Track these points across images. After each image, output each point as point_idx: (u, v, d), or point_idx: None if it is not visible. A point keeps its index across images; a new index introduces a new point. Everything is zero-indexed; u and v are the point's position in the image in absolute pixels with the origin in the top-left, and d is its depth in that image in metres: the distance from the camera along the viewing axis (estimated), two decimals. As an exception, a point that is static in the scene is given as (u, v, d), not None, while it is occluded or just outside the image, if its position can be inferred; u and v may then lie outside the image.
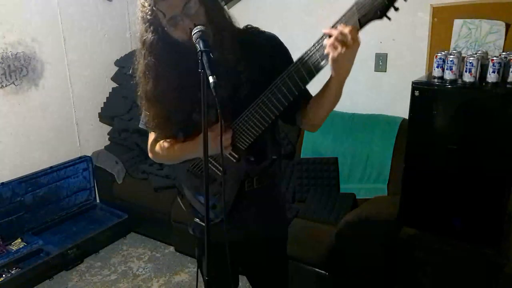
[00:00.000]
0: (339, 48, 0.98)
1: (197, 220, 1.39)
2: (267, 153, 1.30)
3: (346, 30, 0.97)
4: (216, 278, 1.18)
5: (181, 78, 1.17)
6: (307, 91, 1.24)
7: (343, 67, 1.03)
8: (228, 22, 1.18)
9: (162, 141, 1.34)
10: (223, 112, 0.96)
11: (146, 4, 1.09)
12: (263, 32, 1.24)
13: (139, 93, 1.24)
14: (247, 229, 1.36)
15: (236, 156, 1.23)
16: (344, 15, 1.00)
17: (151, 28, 1.12)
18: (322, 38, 1.03)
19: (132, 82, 1.25)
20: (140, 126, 1.36)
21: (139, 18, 1.13)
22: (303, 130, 2.75)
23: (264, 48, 1.20)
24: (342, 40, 0.97)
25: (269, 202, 1.39)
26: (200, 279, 1.29)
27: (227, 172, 1.26)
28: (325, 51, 1.01)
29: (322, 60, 1.04)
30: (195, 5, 1.08)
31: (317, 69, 1.06)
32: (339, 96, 1.14)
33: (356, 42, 0.98)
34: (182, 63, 1.16)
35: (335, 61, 1.00)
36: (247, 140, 1.20)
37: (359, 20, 0.97)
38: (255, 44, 1.19)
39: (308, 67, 1.06)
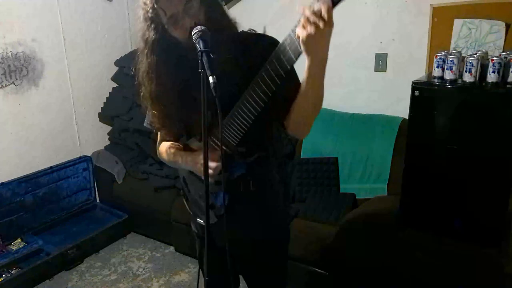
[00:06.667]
0: (309, 28, 0.90)
1: (199, 220, 1.40)
2: (253, 149, 1.25)
3: (317, 8, 0.88)
4: (217, 277, 1.17)
5: (182, 77, 1.17)
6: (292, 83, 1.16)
7: (314, 50, 0.96)
8: (228, 22, 1.17)
9: (168, 145, 1.35)
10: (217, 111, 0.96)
11: (148, 2, 1.09)
12: (265, 36, 1.21)
13: (142, 93, 1.23)
14: (243, 230, 1.34)
15: (229, 151, 1.21)
16: None
17: (153, 26, 1.12)
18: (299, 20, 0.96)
19: (135, 82, 1.24)
20: (145, 125, 1.36)
21: (141, 16, 1.13)
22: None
23: (264, 52, 1.13)
24: (312, 20, 0.89)
25: (266, 204, 1.36)
26: (201, 279, 1.29)
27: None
28: (296, 32, 0.95)
29: (299, 46, 0.96)
30: (196, 4, 1.08)
31: (296, 54, 0.99)
32: (318, 96, 1.07)
33: (328, 23, 0.89)
34: (182, 62, 1.15)
35: (304, 43, 0.93)
36: (237, 136, 1.17)
37: None
38: (256, 47, 1.17)
39: (287, 53, 1.00)
